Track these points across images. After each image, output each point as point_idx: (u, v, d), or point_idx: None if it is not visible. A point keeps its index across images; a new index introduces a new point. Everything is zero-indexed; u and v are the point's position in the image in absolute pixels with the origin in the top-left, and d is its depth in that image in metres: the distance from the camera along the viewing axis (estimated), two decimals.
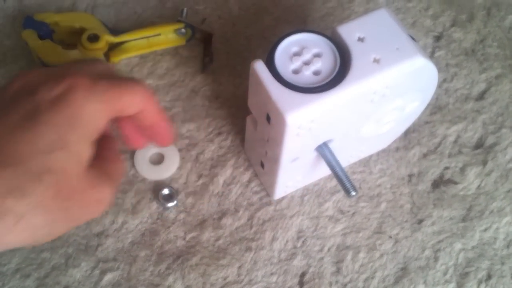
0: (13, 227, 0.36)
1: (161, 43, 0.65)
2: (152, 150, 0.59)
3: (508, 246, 0.55)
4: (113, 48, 0.63)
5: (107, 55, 0.61)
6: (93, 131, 0.40)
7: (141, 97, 0.42)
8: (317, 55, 0.45)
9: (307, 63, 0.44)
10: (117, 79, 0.42)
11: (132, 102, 0.42)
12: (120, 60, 0.64)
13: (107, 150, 0.46)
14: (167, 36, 0.65)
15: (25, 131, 0.37)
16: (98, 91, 0.40)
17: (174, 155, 0.58)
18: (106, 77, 0.42)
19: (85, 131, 0.39)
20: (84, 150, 0.39)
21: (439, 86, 0.63)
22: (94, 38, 0.61)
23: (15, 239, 0.37)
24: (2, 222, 0.36)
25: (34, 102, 0.38)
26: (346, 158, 0.56)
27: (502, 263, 0.54)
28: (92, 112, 0.40)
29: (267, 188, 0.57)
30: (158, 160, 0.59)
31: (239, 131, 0.60)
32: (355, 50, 0.44)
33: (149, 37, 0.64)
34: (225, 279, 0.53)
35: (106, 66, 0.45)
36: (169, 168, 0.58)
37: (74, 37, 0.63)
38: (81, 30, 0.62)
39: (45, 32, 0.62)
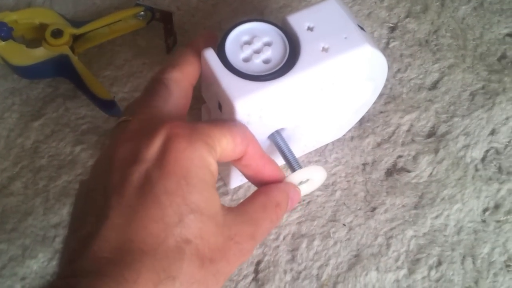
0: None
1: (122, 29, 0.65)
2: None
3: (458, 233, 0.56)
4: (76, 39, 0.63)
5: (71, 47, 0.61)
6: (211, 179, 0.38)
7: (241, 138, 0.41)
8: (267, 44, 0.45)
9: (257, 52, 0.45)
10: (213, 122, 0.40)
11: (234, 143, 0.40)
12: (84, 50, 0.64)
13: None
14: (127, 22, 0.65)
15: (148, 209, 0.35)
16: (199, 135, 0.38)
17: None
18: (200, 122, 0.40)
19: (204, 182, 0.37)
20: (211, 201, 0.37)
21: (393, 76, 0.64)
22: (58, 34, 0.61)
23: None
24: None
25: (142, 172, 0.36)
26: (301, 147, 0.57)
27: (453, 250, 0.55)
28: (201, 160, 0.37)
29: (224, 177, 0.57)
30: None
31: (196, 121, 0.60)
32: (304, 39, 0.45)
33: (110, 24, 0.64)
34: None
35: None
36: None
37: (34, 32, 0.63)
38: (41, 26, 0.62)
39: (6, 32, 0.61)
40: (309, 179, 0.48)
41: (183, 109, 0.44)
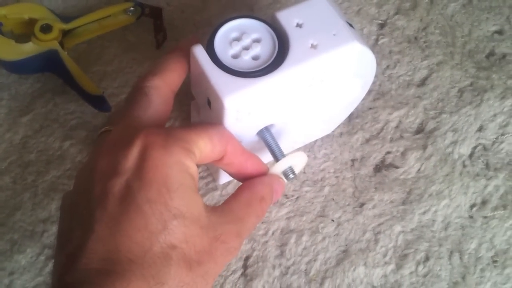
0: None
1: (112, 24, 0.65)
2: None
3: (445, 228, 0.56)
4: (65, 35, 0.63)
5: (60, 42, 0.61)
6: (191, 182, 0.38)
7: (219, 138, 0.41)
8: (256, 41, 0.45)
9: (246, 48, 0.45)
10: (189, 125, 0.41)
11: (212, 144, 0.40)
12: (74, 46, 0.64)
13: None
14: (117, 17, 0.65)
15: (132, 219, 0.35)
16: (175, 140, 0.38)
17: None
18: (176, 127, 0.40)
19: (184, 187, 0.37)
20: (193, 205, 0.38)
21: (382, 72, 0.64)
22: (47, 29, 0.60)
23: None
24: None
25: (123, 183, 0.36)
26: (290, 143, 0.57)
27: (440, 245, 0.56)
28: (179, 165, 0.38)
29: (213, 173, 0.57)
30: None
31: (186, 117, 0.60)
32: (293, 36, 0.45)
33: (99, 19, 0.64)
34: None
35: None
36: None
37: (23, 27, 0.63)
38: (31, 21, 0.62)
39: None
40: (293, 167, 0.48)
41: (163, 116, 0.44)
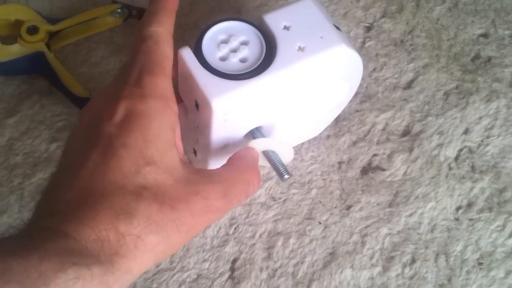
0: (134, 252, 0.36)
1: (99, 26, 0.65)
2: None
3: (432, 231, 0.57)
4: (52, 36, 0.62)
5: (47, 44, 0.61)
6: (169, 135, 0.40)
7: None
8: (244, 43, 0.46)
9: (234, 51, 0.45)
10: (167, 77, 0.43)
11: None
12: (61, 47, 0.64)
13: None
14: (104, 19, 0.65)
15: (108, 161, 0.38)
16: (154, 96, 0.41)
17: None
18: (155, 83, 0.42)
19: (161, 140, 0.40)
20: (168, 157, 0.40)
21: (369, 75, 0.65)
22: (34, 30, 0.60)
23: (139, 265, 0.36)
24: (122, 249, 0.35)
25: (105, 133, 0.39)
26: None
27: (426, 247, 0.56)
28: (158, 118, 0.40)
29: (202, 162, 0.57)
30: None
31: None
32: (281, 38, 0.45)
33: (86, 21, 0.64)
34: (157, 266, 0.54)
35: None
36: None
37: (9, 29, 0.63)
38: (17, 22, 0.61)
39: None
40: (279, 154, 0.48)
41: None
